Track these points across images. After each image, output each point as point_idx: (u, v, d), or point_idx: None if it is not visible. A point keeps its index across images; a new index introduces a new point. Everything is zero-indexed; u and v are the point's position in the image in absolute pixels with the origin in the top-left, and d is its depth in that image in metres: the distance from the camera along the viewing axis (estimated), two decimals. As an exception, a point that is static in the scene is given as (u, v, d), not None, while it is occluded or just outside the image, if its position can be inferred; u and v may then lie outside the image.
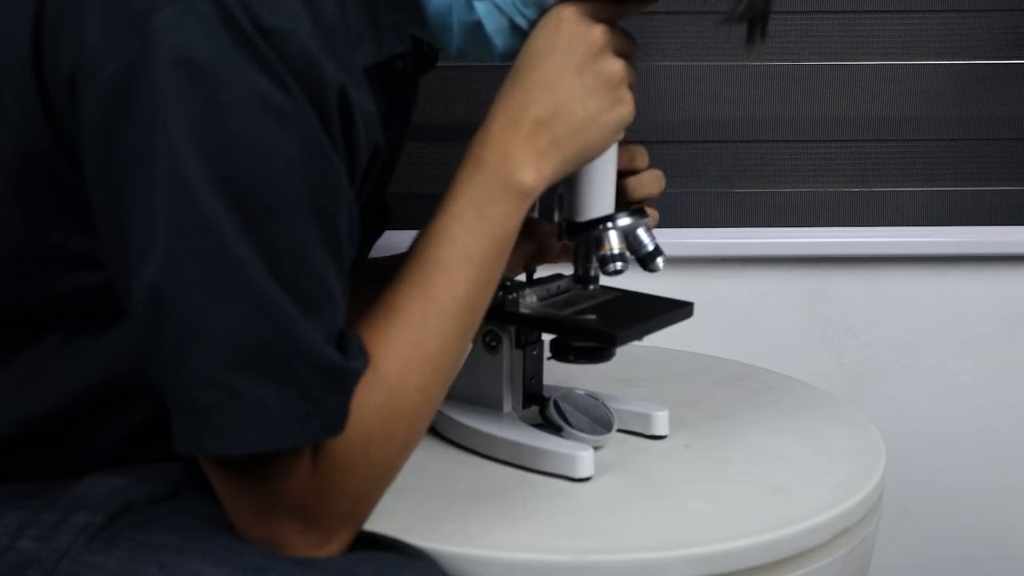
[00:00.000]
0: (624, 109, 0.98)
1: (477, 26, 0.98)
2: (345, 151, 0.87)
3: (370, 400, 0.87)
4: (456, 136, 1.64)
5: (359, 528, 0.90)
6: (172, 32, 0.79)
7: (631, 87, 0.99)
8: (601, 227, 1.06)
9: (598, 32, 0.95)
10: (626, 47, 0.98)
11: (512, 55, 0.98)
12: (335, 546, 0.88)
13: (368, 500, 0.90)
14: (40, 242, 0.89)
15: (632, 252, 1.08)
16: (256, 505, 0.86)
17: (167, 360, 0.82)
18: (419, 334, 0.90)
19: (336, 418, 0.85)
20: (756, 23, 0.97)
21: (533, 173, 0.94)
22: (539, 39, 0.96)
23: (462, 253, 0.93)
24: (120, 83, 0.80)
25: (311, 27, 0.84)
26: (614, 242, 1.06)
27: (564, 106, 0.95)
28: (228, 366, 0.81)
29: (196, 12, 0.80)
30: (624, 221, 1.06)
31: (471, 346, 0.96)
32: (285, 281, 0.82)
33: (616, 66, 0.96)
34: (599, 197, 1.06)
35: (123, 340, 0.89)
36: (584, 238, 1.08)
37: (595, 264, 1.09)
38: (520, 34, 0.98)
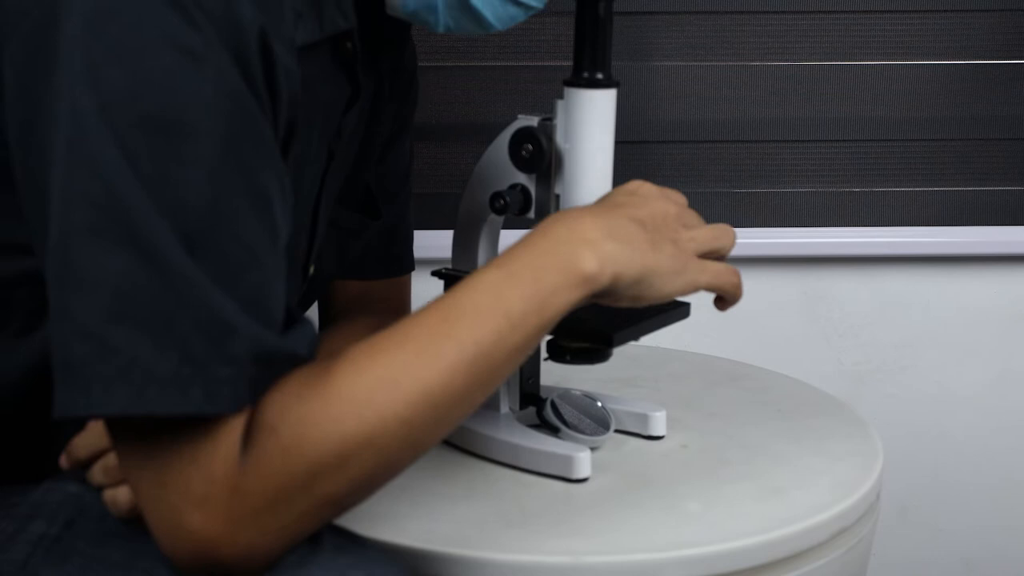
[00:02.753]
0: (700, 278, 0.95)
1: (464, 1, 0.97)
2: (269, 100, 0.81)
3: (315, 397, 0.77)
4: (456, 136, 1.64)
5: (289, 536, 0.79)
6: None
7: (711, 271, 0.97)
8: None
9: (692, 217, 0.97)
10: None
11: (505, 22, 0.95)
12: (260, 551, 0.78)
13: (295, 510, 0.78)
14: None
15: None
16: (166, 516, 0.77)
17: (54, 317, 0.75)
18: (422, 362, 0.80)
19: (223, 390, 0.75)
20: None
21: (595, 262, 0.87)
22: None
23: (500, 305, 0.83)
24: (35, 37, 0.77)
25: None
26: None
27: (656, 222, 0.92)
28: (107, 318, 0.74)
29: None
30: (621, 222, 1.06)
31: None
32: (194, 238, 0.75)
33: (701, 237, 0.97)
34: (597, 197, 1.05)
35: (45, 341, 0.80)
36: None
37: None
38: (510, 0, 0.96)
